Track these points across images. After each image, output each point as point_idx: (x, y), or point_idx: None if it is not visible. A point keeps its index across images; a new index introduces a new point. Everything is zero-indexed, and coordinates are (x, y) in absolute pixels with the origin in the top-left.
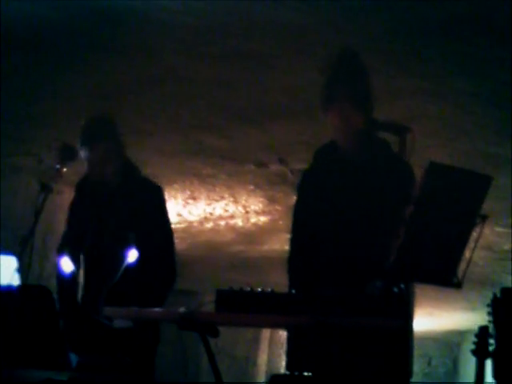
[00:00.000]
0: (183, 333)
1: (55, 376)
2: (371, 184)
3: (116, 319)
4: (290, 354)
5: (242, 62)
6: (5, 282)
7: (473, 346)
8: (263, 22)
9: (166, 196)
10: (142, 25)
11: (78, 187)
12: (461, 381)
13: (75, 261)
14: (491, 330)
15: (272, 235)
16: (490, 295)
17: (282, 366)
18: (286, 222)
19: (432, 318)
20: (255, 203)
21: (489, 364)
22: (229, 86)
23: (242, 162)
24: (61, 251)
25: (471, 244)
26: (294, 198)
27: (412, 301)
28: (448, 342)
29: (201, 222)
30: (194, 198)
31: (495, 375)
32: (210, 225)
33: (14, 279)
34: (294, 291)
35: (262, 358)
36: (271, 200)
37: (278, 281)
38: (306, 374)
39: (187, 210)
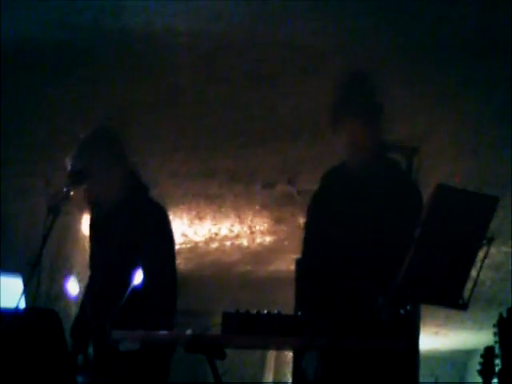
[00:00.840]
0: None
1: None
2: (380, 205)
3: (123, 342)
4: (295, 376)
5: (250, 84)
6: (10, 303)
7: (479, 366)
8: (271, 43)
9: (172, 216)
10: (148, 46)
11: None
12: None
13: None
14: (497, 350)
15: (278, 255)
16: (497, 315)
17: None
18: (292, 243)
19: (438, 337)
20: (261, 223)
21: None
22: (236, 106)
23: (248, 183)
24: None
25: (478, 264)
26: (301, 218)
27: (419, 322)
28: (454, 361)
29: (206, 242)
30: (200, 218)
31: None
32: (215, 245)
33: (20, 301)
34: (300, 313)
35: (269, 378)
36: (277, 220)
37: (285, 301)
38: None
39: (193, 229)
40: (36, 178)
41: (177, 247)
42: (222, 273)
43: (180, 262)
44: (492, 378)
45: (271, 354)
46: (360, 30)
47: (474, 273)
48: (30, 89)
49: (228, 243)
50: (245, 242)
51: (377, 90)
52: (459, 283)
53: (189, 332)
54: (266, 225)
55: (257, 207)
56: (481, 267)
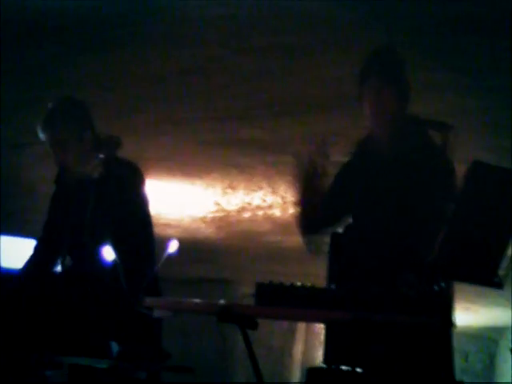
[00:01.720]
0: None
1: (96, 363)
2: (411, 178)
3: (156, 309)
4: (327, 348)
5: (280, 54)
6: None
7: (510, 344)
8: (301, 14)
9: (204, 185)
10: (179, 15)
11: (56, 179)
12: (498, 376)
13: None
14: None
15: None
16: None
17: (317, 357)
18: None
19: (469, 314)
20: (293, 194)
21: None
22: (267, 77)
23: (280, 153)
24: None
25: None
26: None
27: (452, 298)
28: (485, 338)
29: (238, 212)
30: (233, 188)
31: None
32: (247, 215)
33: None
34: (332, 286)
35: (298, 349)
36: None
37: (315, 272)
38: (343, 367)
39: (225, 199)
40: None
41: (209, 216)
42: (252, 243)
43: (212, 231)
44: None
45: (301, 325)
46: (392, 3)
47: (509, 251)
48: (58, 57)
49: (260, 213)
50: (277, 213)
51: (405, 62)
52: (494, 261)
53: (222, 301)
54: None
55: (289, 177)
56: None
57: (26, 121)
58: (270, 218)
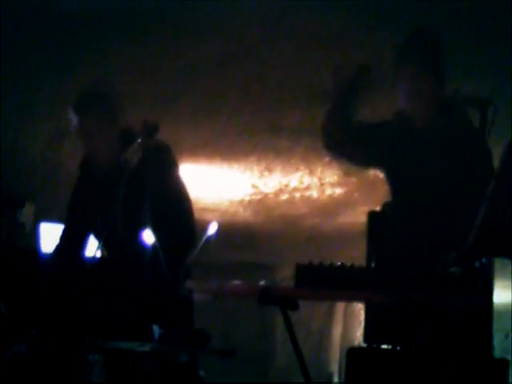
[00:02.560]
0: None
1: (137, 347)
2: (446, 157)
3: (196, 292)
4: (367, 327)
5: (316, 44)
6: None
7: None
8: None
9: (242, 168)
10: (214, 5)
11: (82, 165)
12: None
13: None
14: None
15: (347, 208)
16: None
17: (356, 338)
18: (361, 195)
19: (510, 291)
20: (330, 175)
21: None
22: (304, 63)
23: (317, 136)
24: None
25: None
26: (371, 170)
27: (493, 276)
28: None
29: (276, 194)
30: (270, 170)
31: None
32: (285, 197)
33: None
34: (372, 266)
35: (337, 330)
36: (347, 172)
37: (353, 254)
38: (384, 346)
39: (263, 181)
40: None
41: (247, 199)
42: (290, 225)
43: (250, 214)
44: None
45: (339, 307)
46: None
47: None
48: (95, 47)
49: (297, 195)
50: (314, 194)
51: (442, 41)
52: None
53: (262, 284)
54: (335, 177)
55: (326, 159)
56: None
57: (66, 112)
58: (307, 200)
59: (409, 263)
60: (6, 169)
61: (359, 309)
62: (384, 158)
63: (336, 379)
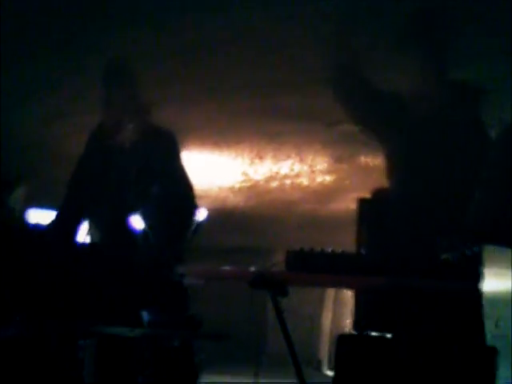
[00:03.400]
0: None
1: (127, 333)
2: (442, 142)
3: (188, 277)
4: (357, 314)
5: (319, 23)
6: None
7: None
8: None
9: (233, 155)
10: None
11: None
12: None
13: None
14: None
15: (338, 194)
16: None
17: (345, 325)
18: (352, 182)
19: (500, 279)
20: (321, 162)
21: None
22: (300, 45)
23: (310, 121)
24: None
25: None
26: (362, 157)
27: (484, 263)
28: None
29: (267, 181)
30: (261, 157)
31: None
32: (275, 183)
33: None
34: (363, 252)
35: (327, 317)
36: (338, 159)
37: (344, 240)
38: (373, 334)
39: (253, 168)
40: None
41: (237, 185)
42: (281, 211)
43: (240, 200)
44: None
45: (329, 294)
46: None
47: None
48: (100, 26)
49: (288, 182)
50: (305, 181)
51: (448, 26)
52: None
53: (253, 269)
54: (326, 164)
55: (318, 146)
56: None
57: (72, 90)
58: (298, 187)
59: (400, 250)
60: None
61: (349, 296)
62: (389, 135)
63: (325, 366)
